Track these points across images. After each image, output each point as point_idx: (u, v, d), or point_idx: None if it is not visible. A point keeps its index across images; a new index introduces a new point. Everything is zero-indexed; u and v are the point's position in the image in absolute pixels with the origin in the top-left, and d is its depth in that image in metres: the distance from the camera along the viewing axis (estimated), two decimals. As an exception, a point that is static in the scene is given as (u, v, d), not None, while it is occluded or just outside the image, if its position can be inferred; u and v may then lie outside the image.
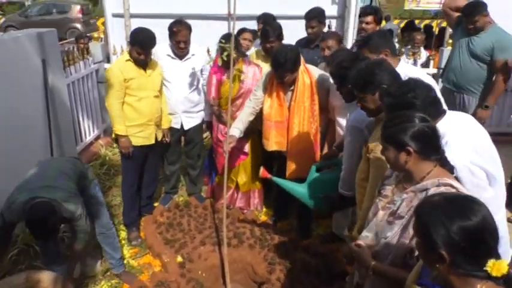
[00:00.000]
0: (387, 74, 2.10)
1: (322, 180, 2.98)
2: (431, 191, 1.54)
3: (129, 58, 3.35)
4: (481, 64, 3.86)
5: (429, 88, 1.88)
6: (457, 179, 1.70)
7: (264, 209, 4.04)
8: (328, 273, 3.15)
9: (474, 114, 3.82)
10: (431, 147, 1.60)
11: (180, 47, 3.64)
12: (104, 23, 5.89)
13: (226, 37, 3.53)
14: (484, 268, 1.12)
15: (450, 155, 1.77)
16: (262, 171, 3.20)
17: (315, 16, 3.92)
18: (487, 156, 1.94)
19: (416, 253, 1.53)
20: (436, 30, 9.74)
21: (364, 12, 4.14)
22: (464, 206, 1.20)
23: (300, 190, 3.02)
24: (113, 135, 3.52)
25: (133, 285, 3.08)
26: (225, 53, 3.42)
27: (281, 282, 3.12)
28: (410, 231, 1.57)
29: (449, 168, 1.67)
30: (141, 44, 3.26)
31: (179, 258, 3.37)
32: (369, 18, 3.98)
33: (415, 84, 1.85)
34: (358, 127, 2.43)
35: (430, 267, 1.28)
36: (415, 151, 1.57)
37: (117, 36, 5.38)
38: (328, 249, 3.42)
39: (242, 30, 4.21)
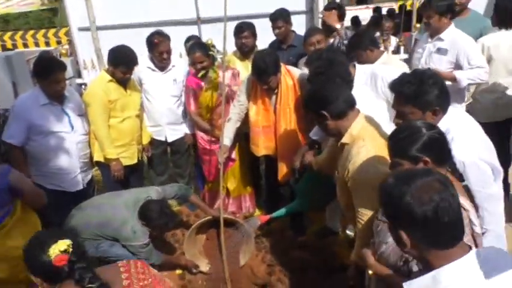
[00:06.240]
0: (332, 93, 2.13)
1: (306, 187, 3.08)
2: None
3: (111, 79, 3.28)
4: None
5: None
6: (462, 174, 1.72)
7: (256, 211, 4.06)
8: (327, 267, 3.20)
9: None
10: (444, 152, 1.59)
11: (163, 57, 3.60)
12: (66, 34, 5.71)
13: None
14: None
15: (457, 151, 1.75)
16: (261, 218, 3.30)
17: (278, 16, 3.87)
18: (490, 150, 1.94)
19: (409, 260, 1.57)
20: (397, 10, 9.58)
21: (327, 7, 4.08)
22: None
23: (300, 206, 3.14)
24: (96, 159, 3.43)
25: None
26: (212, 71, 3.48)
27: (282, 282, 3.15)
28: None
29: (458, 177, 1.68)
30: (127, 65, 3.21)
31: (178, 270, 3.34)
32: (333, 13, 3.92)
33: (430, 76, 1.88)
34: None
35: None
36: (432, 161, 1.53)
37: (86, 50, 5.24)
38: (324, 243, 3.48)
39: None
